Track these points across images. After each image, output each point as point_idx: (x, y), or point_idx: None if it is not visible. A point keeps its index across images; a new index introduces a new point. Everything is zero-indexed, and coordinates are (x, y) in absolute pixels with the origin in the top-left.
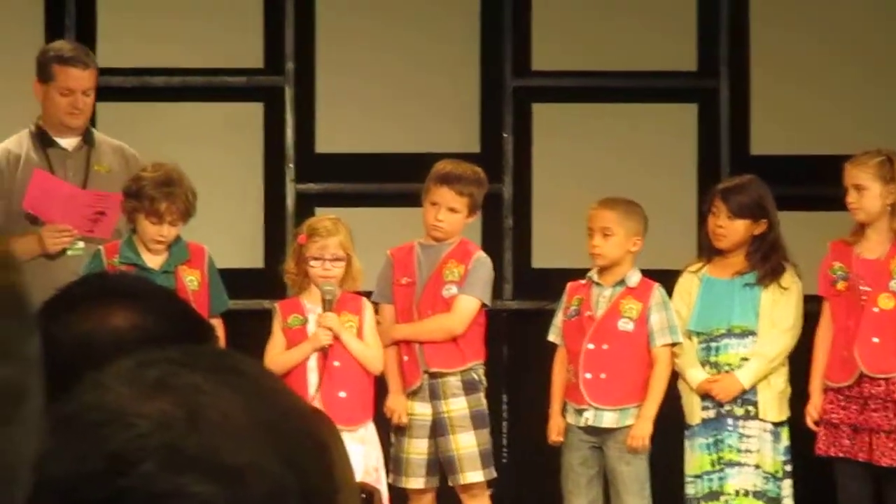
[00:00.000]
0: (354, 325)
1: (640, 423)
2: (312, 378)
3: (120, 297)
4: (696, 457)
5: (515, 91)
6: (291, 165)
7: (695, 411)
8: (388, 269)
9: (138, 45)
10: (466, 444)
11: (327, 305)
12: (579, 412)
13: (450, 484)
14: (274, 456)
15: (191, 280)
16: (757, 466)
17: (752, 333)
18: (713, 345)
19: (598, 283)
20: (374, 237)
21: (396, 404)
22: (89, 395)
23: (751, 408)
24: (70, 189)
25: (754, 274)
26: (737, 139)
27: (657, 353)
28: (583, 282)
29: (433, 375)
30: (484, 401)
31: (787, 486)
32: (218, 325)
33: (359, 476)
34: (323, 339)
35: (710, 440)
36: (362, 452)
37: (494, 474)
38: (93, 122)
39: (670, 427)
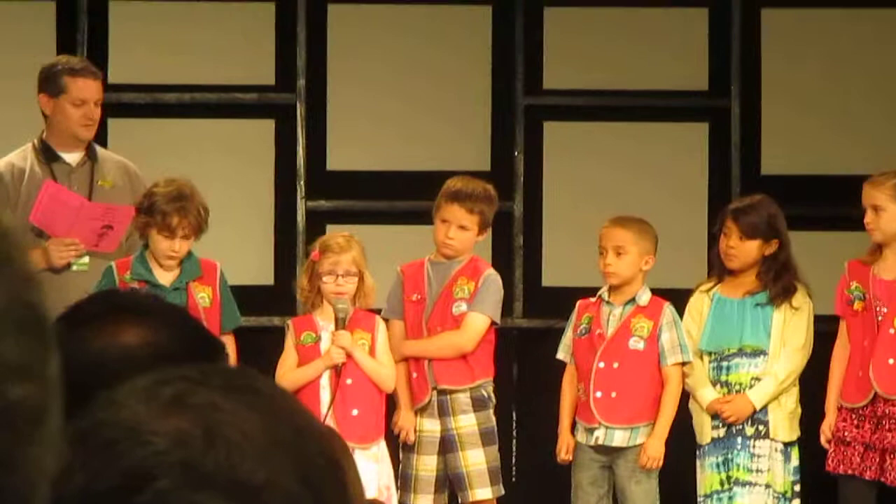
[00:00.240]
0: (367, 343)
1: (652, 443)
2: (325, 396)
3: (131, 314)
4: (706, 476)
5: (527, 109)
6: (302, 182)
7: (705, 431)
8: (399, 286)
9: (150, 61)
10: (475, 460)
11: (340, 323)
12: (590, 430)
13: (459, 501)
14: (290, 474)
15: (202, 297)
16: (767, 486)
17: (763, 353)
18: (724, 364)
19: (608, 302)
20: (384, 254)
21: (405, 421)
22: (105, 412)
23: (761, 427)
24: (80, 201)
25: (766, 293)
26: (747, 158)
27: (668, 371)
28: (593, 300)
29: (442, 392)
30: (493, 418)
31: None
32: (229, 341)
33: (372, 495)
34: (336, 358)
35: (720, 459)
36: (375, 471)
37: (503, 491)
38: (104, 137)
39: (680, 446)
